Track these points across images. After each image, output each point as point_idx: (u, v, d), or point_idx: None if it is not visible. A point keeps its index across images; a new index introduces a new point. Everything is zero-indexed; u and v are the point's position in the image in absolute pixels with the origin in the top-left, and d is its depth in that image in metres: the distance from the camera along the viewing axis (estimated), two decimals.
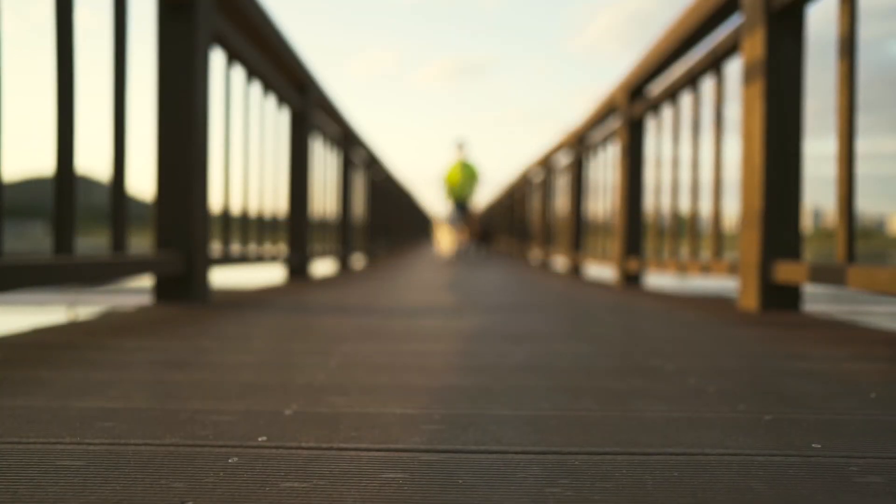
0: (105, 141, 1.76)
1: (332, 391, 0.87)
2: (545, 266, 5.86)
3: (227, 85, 2.45)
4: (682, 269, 2.75)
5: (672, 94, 2.88)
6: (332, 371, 1.01)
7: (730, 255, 2.45)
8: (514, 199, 8.96)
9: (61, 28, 1.49)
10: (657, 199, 3.21)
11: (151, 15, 1.99)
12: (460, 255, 8.07)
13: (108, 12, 1.72)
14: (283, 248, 3.48)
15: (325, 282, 3.26)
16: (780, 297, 1.99)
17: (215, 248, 2.47)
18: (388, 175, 7.84)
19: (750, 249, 2.05)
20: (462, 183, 8.93)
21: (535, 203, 7.08)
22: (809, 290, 2.05)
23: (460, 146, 8.98)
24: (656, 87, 3.15)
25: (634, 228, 3.51)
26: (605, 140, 4.09)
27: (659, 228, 3.26)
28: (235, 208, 2.69)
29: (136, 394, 0.84)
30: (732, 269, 2.26)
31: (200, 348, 1.20)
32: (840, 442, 0.67)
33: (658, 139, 3.17)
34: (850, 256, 1.69)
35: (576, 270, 4.82)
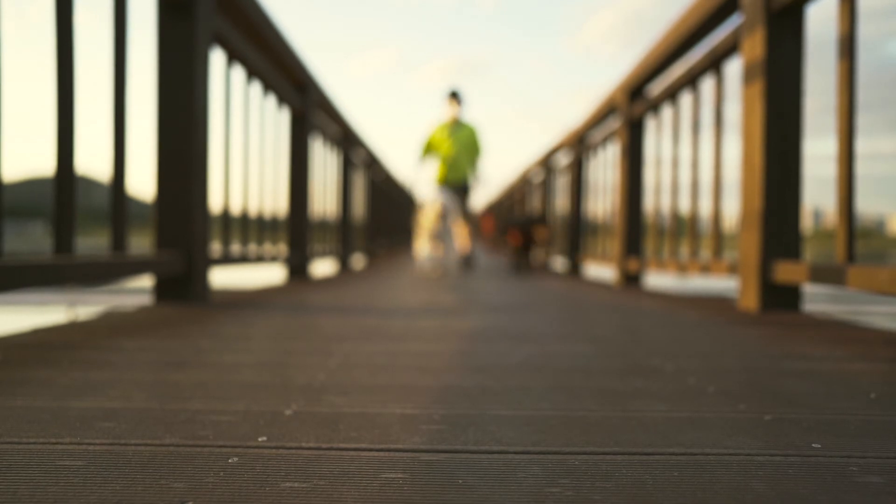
0: (105, 141, 1.76)
1: (333, 391, 0.87)
2: (545, 266, 5.86)
3: (227, 85, 2.45)
4: (682, 269, 2.75)
5: (672, 94, 2.88)
6: (333, 371, 1.01)
7: (730, 255, 2.45)
8: (514, 199, 8.95)
9: (61, 28, 1.49)
10: (657, 199, 3.21)
11: (151, 15, 1.99)
12: (450, 265, 5.13)
13: (108, 12, 1.72)
14: (283, 248, 3.48)
15: (325, 282, 3.26)
16: (780, 297, 1.99)
17: (215, 248, 2.47)
18: (388, 175, 7.83)
19: (750, 249, 2.05)
20: (456, 154, 5.39)
21: (535, 203, 7.08)
22: (809, 290, 2.05)
23: (453, 97, 5.40)
24: (656, 87, 3.15)
25: (634, 228, 3.51)
26: (604, 140, 4.09)
27: (659, 228, 3.26)
28: (235, 208, 2.69)
29: (136, 394, 0.84)
30: (732, 269, 2.26)
31: (200, 348, 1.20)
32: (840, 442, 0.67)
33: (658, 139, 3.17)
34: (850, 256, 1.69)
35: (575, 270, 4.82)
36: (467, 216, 5.52)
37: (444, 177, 5.46)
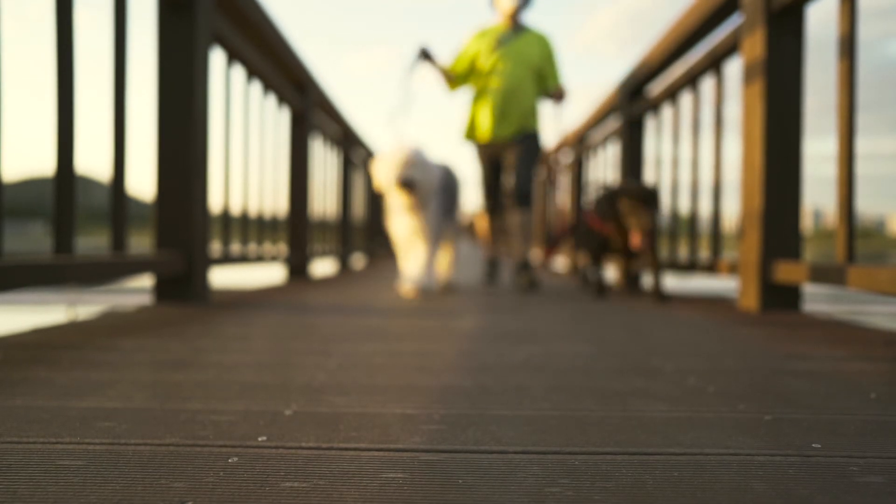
0: (105, 141, 1.76)
1: (332, 391, 0.87)
2: (545, 266, 5.86)
3: (227, 85, 2.45)
4: (682, 268, 2.74)
5: (672, 94, 2.88)
6: (332, 371, 1.01)
7: (730, 255, 2.44)
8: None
9: (61, 28, 1.49)
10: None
11: (152, 15, 1.99)
12: (496, 276, 3.24)
13: (108, 12, 1.72)
14: (283, 248, 3.48)
15: (325, 282, 3.26)
16: (780, 297, 1.99)
17: (215, 248, 2.47)
18: None
19: (750, 249, 2.05)
20: (510, 79, 2.94)
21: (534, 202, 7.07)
22: (809, 290, 2.05)
23: None
24: (656, 87, 3.15)
25: None
26: (605, 140, 4.09)
27: (658, 228, 3.26)
28: (235, 208, 2.69)
29: (136, 394, 0.84)
30: (732, 269, 2.26)
31: (200, 348, 1.20)
32: (840, 442, 0.67)
33: (658, 139, 3.17)
34: (850, 256, 1.69)
35: (576, 270, 4.82)
36: (524, 200, 2.95)
37: (490, 125, 2.95)
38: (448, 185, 2.62)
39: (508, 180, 3.05)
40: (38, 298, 4.09)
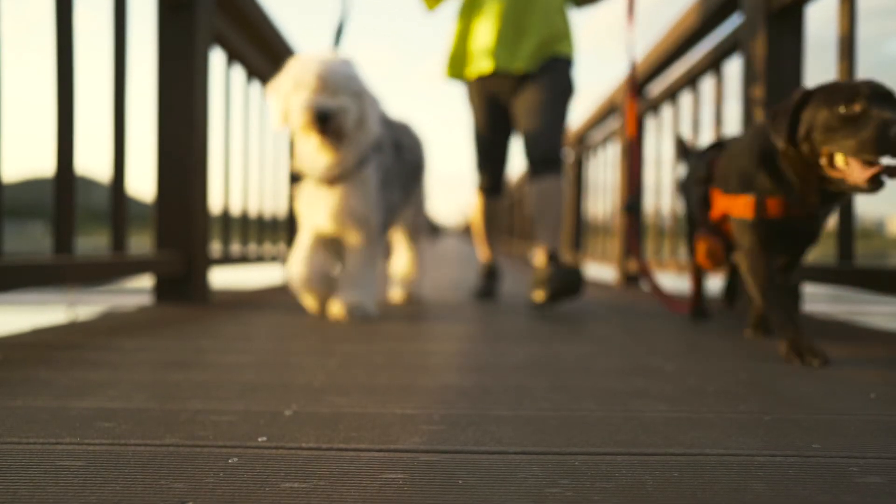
0: (105, 141, 1.76)
1: (332, 391, 0.87)
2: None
3: (227, 84, 2.45)
4: (682, 268, 2.74)
5: (672, 94, 2.88)
6: (333, 371, 1.01)
7: None
8: (514, 198, 8.96)
9: (61, 28, 1.49)
10: (657, 198, 3.21)
11: (151, 15, 1.99)
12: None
13: (108, 12, 1.72)
14: (283, 248, 3.48)
15: None
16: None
17: (215, 248, 2.47)
18: None
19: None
20: None
21: None
22: (809, 290, 2.05)
23: None
24: (656, 87, 3.15)
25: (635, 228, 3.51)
26: (605, 140, 4.09)
27: (659, 228, 3.26)
28: (235, 208, 2.69)
29: (136, 394, 0.84)
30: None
31: (200, 348, 1.20)
32: (840, 442, 0.67)
33: (658, 139, 3.17)
34: (850, 256, 1.69)
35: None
36: (551, 163, 1.98)
37: (493, 46, 2.00)
38: (405, 146, 1.77)
39: (528, 131, 1.97)
40: (38, 298, 4.09)
